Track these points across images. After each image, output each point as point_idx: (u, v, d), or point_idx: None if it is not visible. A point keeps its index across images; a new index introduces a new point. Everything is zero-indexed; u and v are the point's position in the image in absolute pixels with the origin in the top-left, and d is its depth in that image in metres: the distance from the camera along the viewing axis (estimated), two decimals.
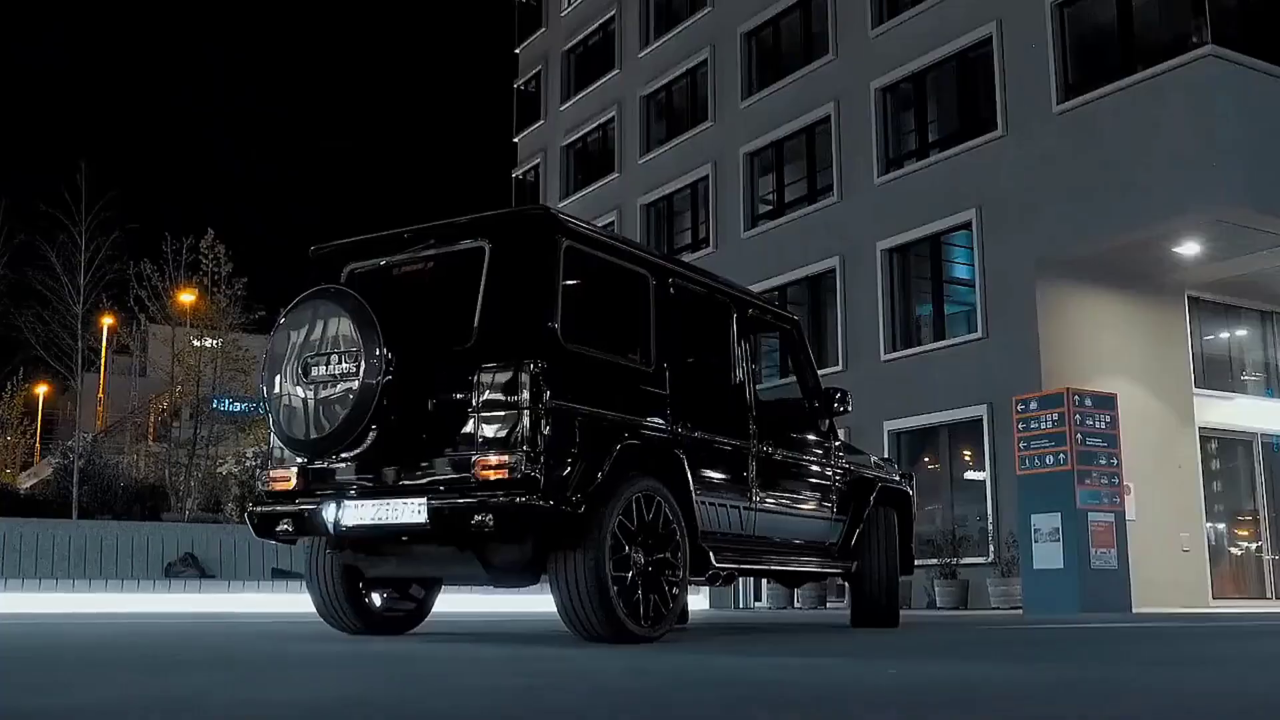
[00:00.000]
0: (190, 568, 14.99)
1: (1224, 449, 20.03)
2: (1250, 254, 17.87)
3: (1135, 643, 6.60)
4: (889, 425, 20.60)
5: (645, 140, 28.40)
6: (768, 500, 6.89)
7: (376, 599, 6.65)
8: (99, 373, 36.08)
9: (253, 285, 27.04)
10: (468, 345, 5.54)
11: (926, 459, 20.90)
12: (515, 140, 34.21)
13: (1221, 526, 19.79)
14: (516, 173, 33.89)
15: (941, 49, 20.51)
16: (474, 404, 5.42)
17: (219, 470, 24.06)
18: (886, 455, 20.28)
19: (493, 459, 5.28)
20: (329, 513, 5.65)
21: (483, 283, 5.62)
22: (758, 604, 21.21)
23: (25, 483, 33.67)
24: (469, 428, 5.43)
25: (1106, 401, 15.66)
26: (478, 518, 5.22)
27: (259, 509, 5.97)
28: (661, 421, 6.07)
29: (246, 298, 26.94)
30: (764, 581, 18.99)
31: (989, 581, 17.52)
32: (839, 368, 21.65)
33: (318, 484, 5.85)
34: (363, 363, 5.37)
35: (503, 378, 5.37)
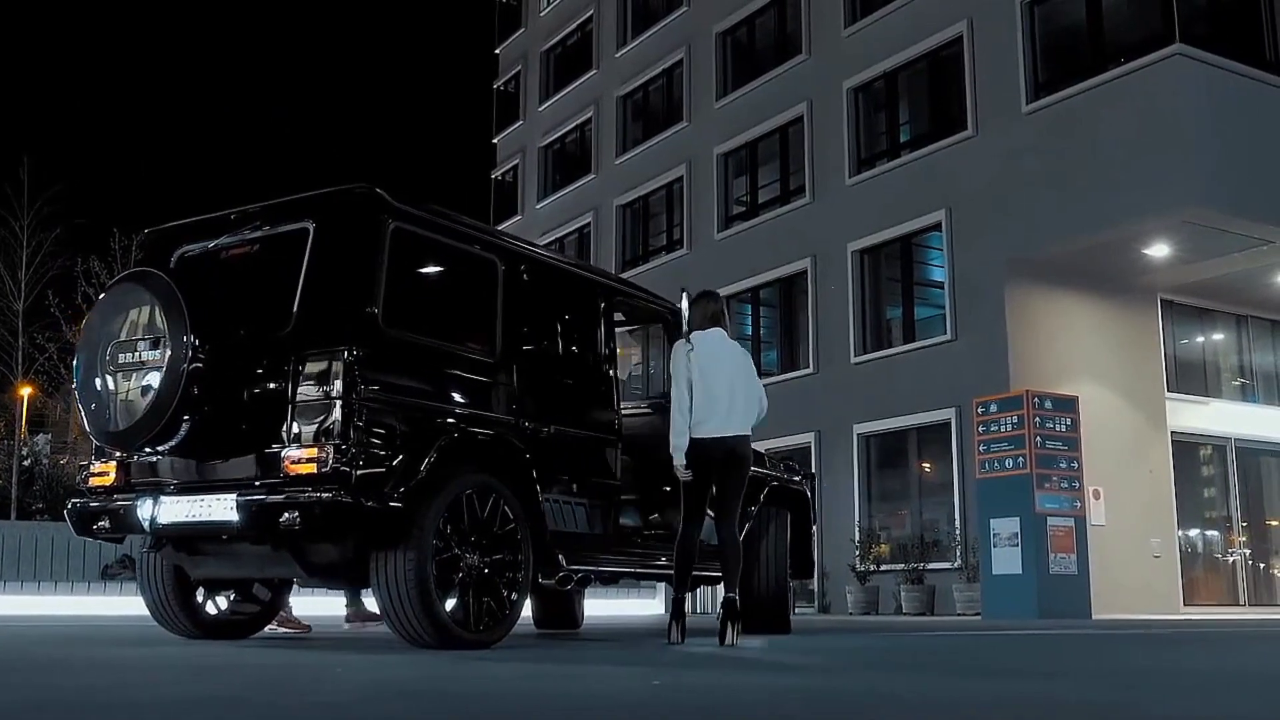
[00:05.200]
0: (128, 570, 14.68)
1: (1197, 454, 19.63)
2: (1221, 256, 17.47)
3: (1030, 652, 6.26)
4: (858, 428, 20.27)
5: (622, 141, 28.11)
6: (635, 498, 6.55)
7: (223, 601, 6.34)
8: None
9: None
10: (285, 332, 5.24)
11: (895, 462, 20.53)
12: (495, 141, 33.95)
13: (1194, 532, 19.39)
14: (496, 174, 33.63)
15: (913, 48, 20.19)
16: (289, 394, 5.13)
17: None
18: (853, 456, 20.00)
19: (301, 453, 4.99)
20: (144, 510, 5.36)
21: (304, 266, 5.33)
22: None
23: None
24: (285, 419, 5.13)
25: (1067, 404, 15.31)
26: (286, 515, 4.93)
27: (76, 504, 5.68)
28: (504, 414, 5.75)
29: None
30: None
31: (954, 587, 17.17)
32: (810, 370, 21.33)
33: (138, 479, 5.55)
34: (168, 350, 5.07)
35: (315, 366, 5.09)
